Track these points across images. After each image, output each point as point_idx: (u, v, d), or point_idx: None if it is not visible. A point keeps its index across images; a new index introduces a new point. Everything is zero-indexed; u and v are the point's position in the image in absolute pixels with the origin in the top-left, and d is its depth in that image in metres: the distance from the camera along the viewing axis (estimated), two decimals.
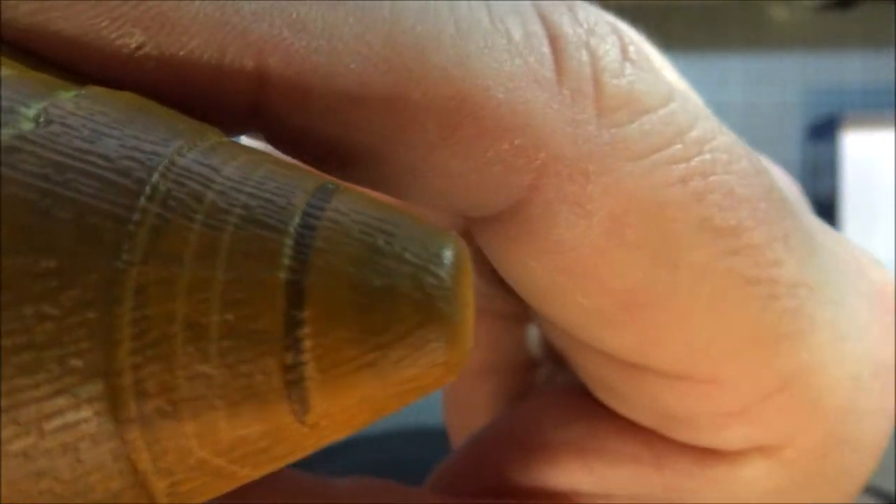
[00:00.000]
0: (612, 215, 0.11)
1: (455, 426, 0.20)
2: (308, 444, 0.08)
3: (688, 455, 0.13)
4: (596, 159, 0.10)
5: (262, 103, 0.10)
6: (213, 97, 0.09)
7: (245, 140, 0.11)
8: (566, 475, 0.14)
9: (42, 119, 0.08)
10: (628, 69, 0.11)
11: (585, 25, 0.11)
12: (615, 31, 0.11)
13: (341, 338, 0.08)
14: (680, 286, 0.11)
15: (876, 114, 0.80)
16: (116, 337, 0.07)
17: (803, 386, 0.12)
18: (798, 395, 0.12)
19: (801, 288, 0.12)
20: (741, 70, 0.86)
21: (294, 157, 0.10)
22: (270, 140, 0.10)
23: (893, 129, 0.78)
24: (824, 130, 0.82)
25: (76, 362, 0.07)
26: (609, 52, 0.11)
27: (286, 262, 0.08)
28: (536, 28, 0.11)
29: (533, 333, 0.19)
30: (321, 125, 0.10)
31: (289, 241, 0.08)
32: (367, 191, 0.09)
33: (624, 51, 0.11)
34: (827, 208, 0.81)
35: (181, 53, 0.09)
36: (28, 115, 0.08)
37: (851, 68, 0.85)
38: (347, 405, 0.08)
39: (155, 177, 0.08)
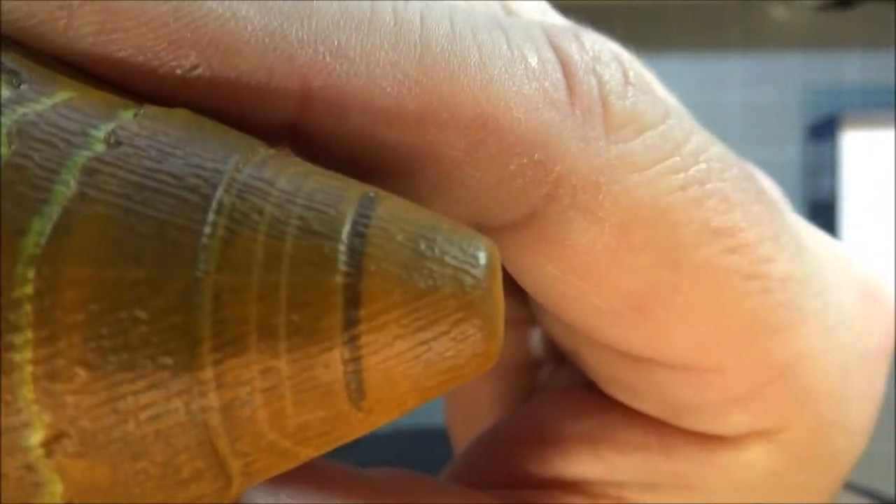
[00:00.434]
0: (620, 221, 0.12)
1: (457, 426, 0.21)
2: (362, 426, 0.09)
3: (694, 442, 0.14)
4: (605, 172, 0.12)
5: (301, 120, 0.11)
6: (256, 113, 0.10)
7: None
8: (578, 465, 0.15)
9: (112, 140, 0.09)
10: (630, 91, 0.12)
11: (591, 53, 0.12)
12: (616, 57, 0.12)
13: (393, 334, 0.09)
14: (683, 284, 0.12)
15: (876, 114, 0.80)
16: (199, 337, 0.08)
17: (797, 373, 0.13)
18: (792, 383, 0.13)
19: (792, 282, 0.13)
20: (741, 70, 0.86)
21: (329, 169, 0.11)
22: (305, 153, 0.11)
23: (893, 129, 0.78)
24: (824, 130, 0.82)
25: (166, 360, 0.08)
26: (613, 76, 0.12)
27: (342, 267, 0.09)
28: (549, 55, 0.12)
29: (535, 335, 0.20)
30: (356, 141, 0.11)
31: (342, 248, 0.09)
32: (403, 199, 0.10)
33: (625, 75, 0.12)
34: (827, 208, 0.81)
35: (232, 75, 0.10)
36: (98, 136, 0.09)
37: (851, 68, 0.85)
38: (398, 393, 0.09)
39: (219, 192, 0.09)
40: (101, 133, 0.09)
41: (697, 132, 0.13)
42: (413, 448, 0.57)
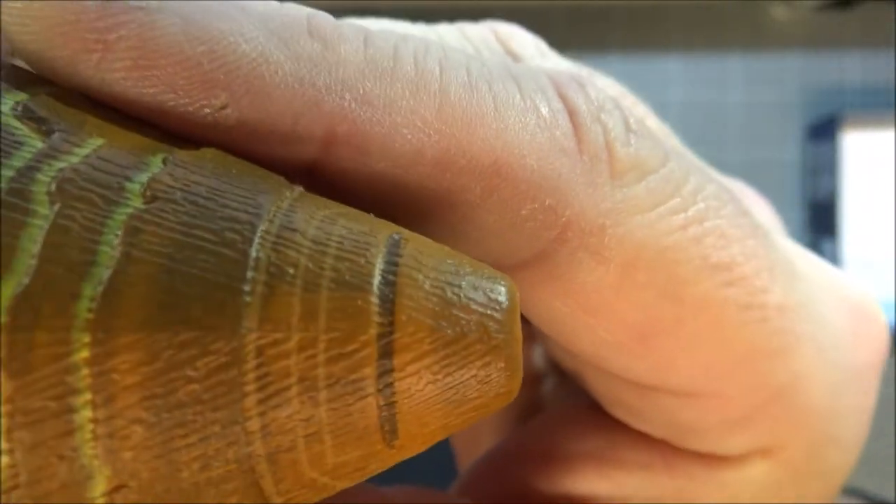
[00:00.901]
0: (625, 260, 0.13)
1: (461, 437, 0.22)
2: (393, 460, 0.10)
3: (697, 461, 0.15)
4: (611, 215, 0.12)
5: (323, 160, 0.11)
6: (280, 152, 0.11)
7: None
8: (585, 483, 0.15)
9: (148, 194, 0.09)
10: (633, 139, 0.13)
11: (596, 102, 0.13)
12: (618, 106, 0.13)
13: (425, 380, 0.09)
14: (686, 316, 0.13)
15: (876, 114, 0.80)
16: (245, 391, 0.09)
17: (793, 395, 0.14)
18: (789, 404, 0.14)
19: (787, 309, 0.14)
20: (741, 70, 0.86)
21: (347, 205, 0.11)
22: (324, 189, 0.12)
23: (893, 129, 0.78)
24: (824, 130, 0.82)
25: (216, 415, 0.09)
26: (617, 124, 0.13)
27: (376, 318, 0.09)
28: (558, 105, 0.12)
29: (537, 349, 0.20)
30: (376, 183, 0.11)
31: (375, 300, 0.09)
32: (425, 239, 0.11)
33: (627, 123, 0.13)
34: (827, 208, 0.81)
35: (260, 117, 0.10)
36: (134, 190, 0.09)
37: (851, 68, 0.85)
38: (428, 430, 0.10)
39: (255, 247, 0.09)
40: (136, 186, 0.09)
41: (696, 171, 0.13)
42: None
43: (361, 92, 0.11)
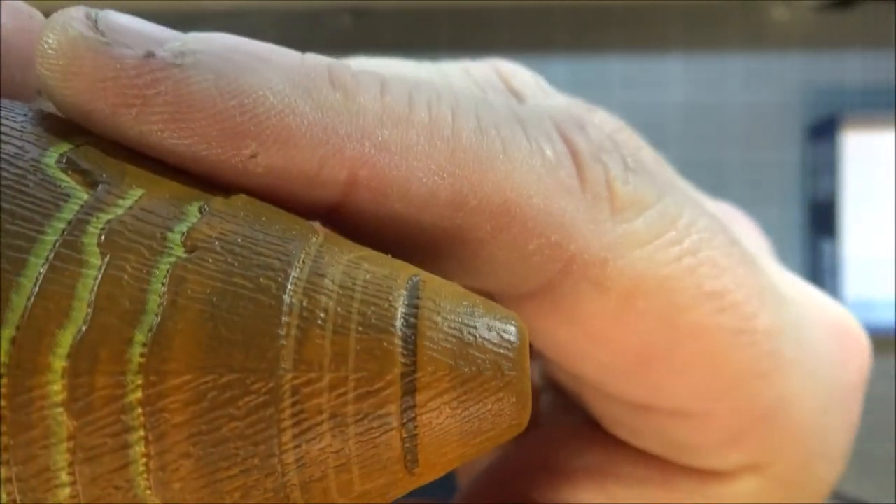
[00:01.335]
0: (626, 290, 0.13)
1: None
2: (412, 486, 0.11)
3: (691, 476, 0.16)
4: (613, 248, 0.13)
5: (343, 202, 0.12)
6: (304, 195, 0.12)
7: None
8: (585, 496, 0.16)
9: (189, 243, 0.10)
10: (630, 176, 0.14)
11: (596, 142, 0.14)
12: (616, 145, 0.14)
13: (444, 415, 0.10)
14: (681, 342, 0.14)
15: (876, 114, 0.80)
16: (282, 427, 0.10)
17: (781, 414, 0.15)
18: (778, 422, 0.15)
19: (775, 333, 0.14)
20: (741, 70, 0.86)
21: (365, 244, 0.12)
22: (343, 231, 0.12)
23: (893, 129, 0.78)
24: (824, 130, 0.82)
25: (256, 449, 0.10)
26: (616, 164, 0.14)
27: (400, 359, 0.10)
28: (562, 147, 0.13)
29: (535, 367, 0.21)
30: (393, 222, 0.12)
31: (398, 342, 0.10)
32: (439, 278, 0.11)
33: (625, 161, 0.14)
34: (827, 208, 0.81)
35: (287, 163, 0.11)
36: (176, 240, 0.10)
37: (851, 68, 0.85)
38: (445, 459, 0.11)
39: (288, 293, 0.10)
40: (177, 236, 0.10)
41: (690, 205, 0.14)
42: None
43: (380, 139, 0.12)
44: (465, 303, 0.11)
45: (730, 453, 0.15)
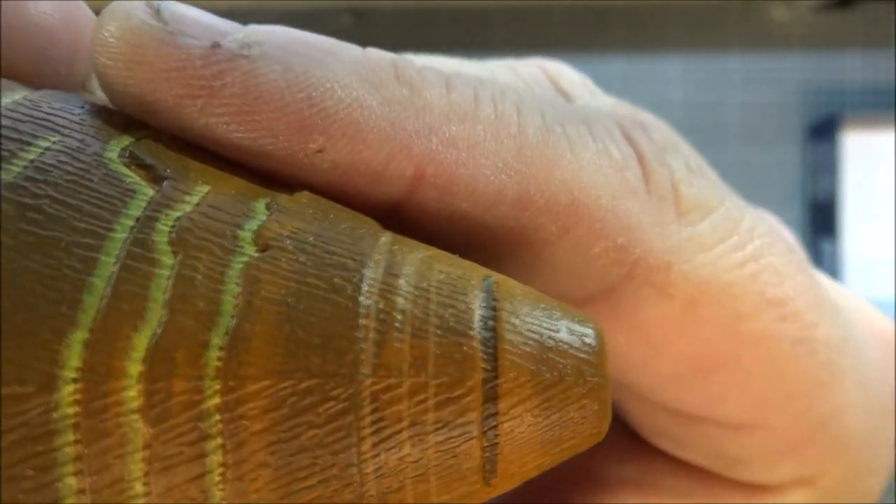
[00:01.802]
0: (689, 296, 0.13)
1: None
2: (487, 497, 0.10)
3: (738, 490, 0.15)
4: (678, 252, 0.13)
5: (408, 200, 0.12)
6: (368, 192, 0.11)
7: None
8: None
9: (260, 242, 0.10)
10: (694, 179, 0.13)
11: (659, 144, 0.13)
12: (677, 147, 0.14)
13: (526, 423, 0.10)
14: (742, 350, 0.13)
15: (876, 114, 0.80)
16: (362, 436, 0.09)
17: (835, 426, 0.14)
18: (831, 434, 0.14)
19: (832, 343, 0.14)
20: (741, 70, 0.86)
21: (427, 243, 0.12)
22: (404, 230, 0.12)
23: (893, 129, 0.78)
24: (824, 130, 0.82)
25: (334, 458, 0.09)
26: (680, 166, 0.13)
27: (481, 364, 0.10)
28: (627, 148, 0.13)
29: None
30: (457, 222, 0.12)
31: (478, 346, 0.10)
32: (511, 279, 0.11)
33: (688, 164, 0.14)
34: (827, 208, 0.81)
35: (353, 159, 0.11)
36: (246, 238, 0.10)
37: (851, 68, 0.85)
38: (523, 470, 0.10)
39: (363, 295, 0.10)
40: (247, 234, 0.10)
41: (748, 210, 0.14)
42: None
43: (447, 135, 0.11)
44: (541, 305, 0.10)
45: (782, 466, 0.15)
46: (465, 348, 0.10)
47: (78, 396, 0.09)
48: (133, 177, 0.10)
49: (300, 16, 0.75)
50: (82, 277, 0.09)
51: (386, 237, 0.11)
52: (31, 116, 0.10)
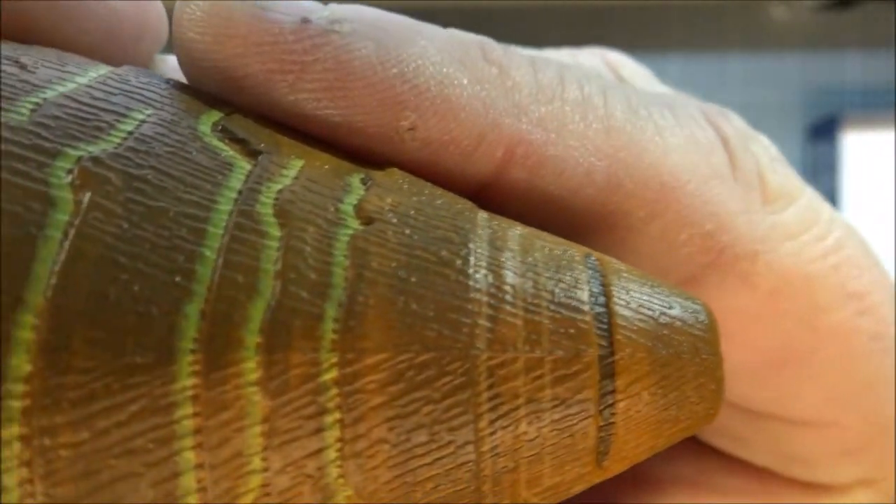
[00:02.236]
0: (772, 287, 0.12)
1: None
2: (595, 481, 0.10)
3: (798, 489, 0.15)
4: (764, 241, 0.12)
5: (494, 185, 0.11)
6: (456, 171, 0.11)
7: None
8: None
9: (363, 215, 0.09)
10: (778, 166, 0.13)
11: (741, 131, 0.13)
12: (755, 136, 0.13)
13: (643, 401, 0.09)
14: (819, 344, 0.13)
15: (876, 114, 0.80)
16: (479, 413, 0.09)
17: None
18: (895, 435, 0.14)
19: None
20: (741, 70, 0.86)
21: None
22: (489, 207, 0.12)
23: (893, 129, 0.78)
24: (824, 130, 0.82)
25: (452, 436, 0.09)
26: (763, 153, 0.13)
27: (596, 339, 0.09)
28: (712, 133, 0.13)
29: None
30: (541, 207, 0.12)
31: (592, 321, 0.09)
32: (616, 260, 0.11)
33: (769, 152, 0.13)
34: None
35: (444, 137, 0.11)
36: (348, 212, 0.09)
37: (851, 68, 0.85)
38: (636, 451, 0.10)
39: (471, 268, 0.09)
40: (348, 208, 0.09)
41: (825, 201, 0.14)
42: None
43: (536, 115, 0.11)
44: (648, 282, 0.10)
45: (846, 466, 0.14)
46: (579, 324, 0.09)
47: (197, 368, 0.08)
48: (228, 150, 0.10)
49: None
50: (194, 248, 0.09)
51: (482, 213, 0.10)
52: (122, 90, 0.10)
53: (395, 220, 0.09)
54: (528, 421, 0.09)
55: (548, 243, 0.10)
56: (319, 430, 0.09)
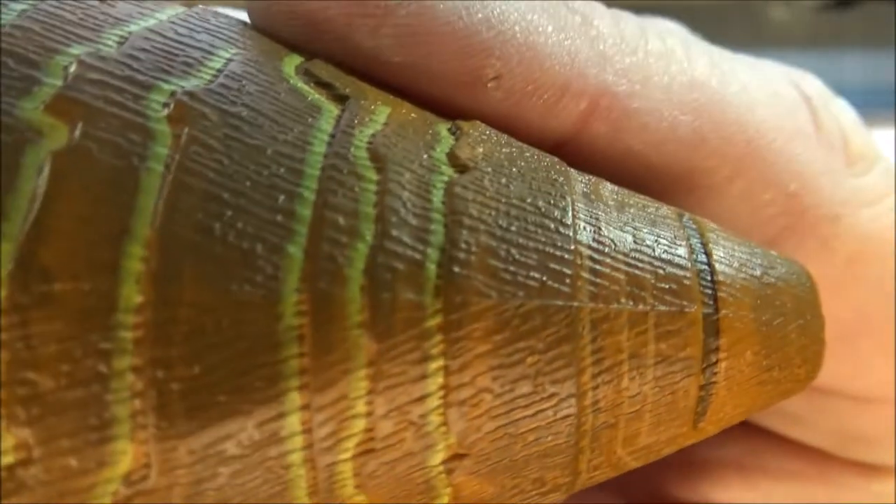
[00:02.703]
0: (851, 252, 0.12)
1: None
2: (687, 443, 0.10)
3: (853, 470, 0.14)
4: (846, 204, 0.12)
5: (575, 139, 0.11)
6: (538, 125, 0.11)
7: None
8: (728, 491, 0.15)
9: (457, 164, 0.09)
10: (859, 128, 0.13)
11: (822, 91, 0.13)
12: (836, 98, 0.13)
13: (746, 361, 0.09)
14: (893, 316, 0.12)
15: (876, 114, 0.80)
16: (582, 366, 0.09)
17: None
18: None
19: None
20: None
21: None
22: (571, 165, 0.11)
23: (893, 129, 0.78)
24: None
25: (555, 388, 0.09)
26: (843, 114, 0.13)
27: (699, 297, 0.09)
28: (795, 92, 0.12)
29: None
30: (621, 163, 0.11)
31: (696, 279, 0.09)
32: (709, 221, 0.10)
33: (849, 114, 0.13)
34: None
35: (528, 87, 0.10)
36: (442, 159, 0.09)
37: (851, 68, 0.85)
38: (732, 414, 0.09)
39: (570, 220, 0.09)
40: (441, 155, 0.09)
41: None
42: None
43: (620, 66, 0.11)
44: (744, 242, 0.10)
45: None
46: (682, 280, 0.09)
47: (303, 307, 0.08)
48: (314, 94, 0.09)
49: None
50: (293, 188, 0.08)
51: (565, 167, 0.10)
52: (204, 28, 0.09)
53: (489, 170, 0.09)
54: (631, 377, 0.09)
55: (639, 200, 0.10)
56: (423, 377, 0.09)
